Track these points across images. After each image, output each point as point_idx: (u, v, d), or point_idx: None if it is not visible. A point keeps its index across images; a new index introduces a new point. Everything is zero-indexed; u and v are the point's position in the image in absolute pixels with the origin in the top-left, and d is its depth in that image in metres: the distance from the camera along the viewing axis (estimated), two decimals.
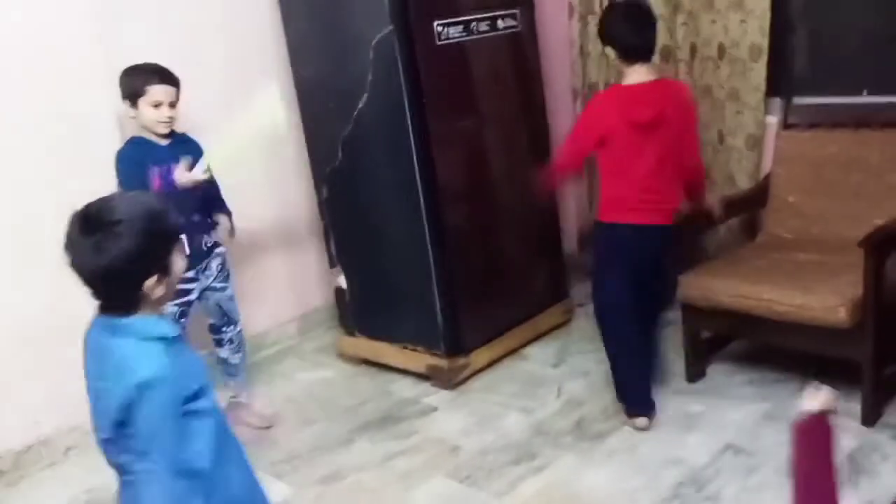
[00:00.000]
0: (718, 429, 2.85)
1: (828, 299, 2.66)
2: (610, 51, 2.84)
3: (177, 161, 2.85)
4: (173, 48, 3.44)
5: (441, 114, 3.26)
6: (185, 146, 2.95)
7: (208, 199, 3.02)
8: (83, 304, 1.60)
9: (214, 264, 3.08)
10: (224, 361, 3.25)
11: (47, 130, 3.10)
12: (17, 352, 3.08)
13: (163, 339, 1.57)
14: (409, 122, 3.19)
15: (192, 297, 3.02)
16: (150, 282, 1.54)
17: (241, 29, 3.72)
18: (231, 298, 3.18)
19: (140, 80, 2.86)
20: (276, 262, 4.01)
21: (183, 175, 2.81)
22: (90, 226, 1.51)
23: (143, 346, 1.54)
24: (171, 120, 2.91)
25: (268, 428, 3.28)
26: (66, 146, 3.11)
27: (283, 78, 3.72)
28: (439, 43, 3.22)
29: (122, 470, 1.62)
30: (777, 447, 2.69)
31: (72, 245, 1.53)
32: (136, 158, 2.87)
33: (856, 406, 2.77)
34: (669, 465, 2.68)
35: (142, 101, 2.85)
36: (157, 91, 2.85)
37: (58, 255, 1.53)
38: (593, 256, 3.09)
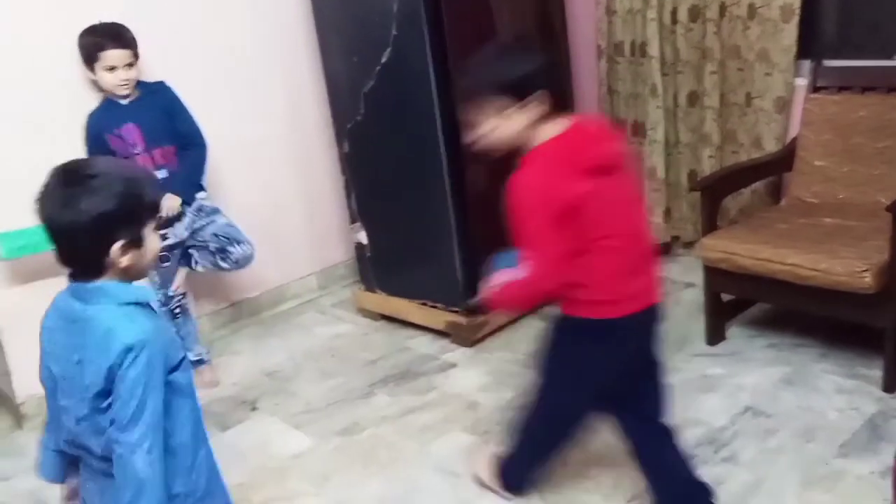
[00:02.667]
0: (738, 391, 2.85)
1: (853, 264, 2.64)
2: None
3: (135, 121, 2.99)
4: (194, 2, 3.43)
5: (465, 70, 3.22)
6: (151, 98, 3.05)
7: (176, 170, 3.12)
8: None
9: (189, 210, 3.15)
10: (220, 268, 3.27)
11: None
12: None
13: (141, 304, 1.53)
14: (432, 77, 3.16)
15: (172, 240, 3.12)
16: (117, 247, 1.48)
17: None
18: (228, 224, 3.20)
19: (93, 45, 2.94)
20: (297, 216, 4.01)
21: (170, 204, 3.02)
22: (67, 179, 1.48)
23: (123, 311, 1.50)
24: (129, 82, 2.97)
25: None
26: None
27: (306, 31, 3.71)
28: None
29: (90, 455, 1.57)
30: (796, 411, 2.70)
31: (45, 197, 1.48)
32: (97, 127, 3.00)
33: (877, 373, 2.76)
34: (688, 426, 2.67)
35: (97, 66, 2.94)
36: (111, 56, 2.93)
37: None
38: None
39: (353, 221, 3.75)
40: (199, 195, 3.20)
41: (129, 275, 1.55)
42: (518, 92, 1.90)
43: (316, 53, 3.65)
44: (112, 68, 2.93)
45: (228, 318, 3.84)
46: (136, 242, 1.52)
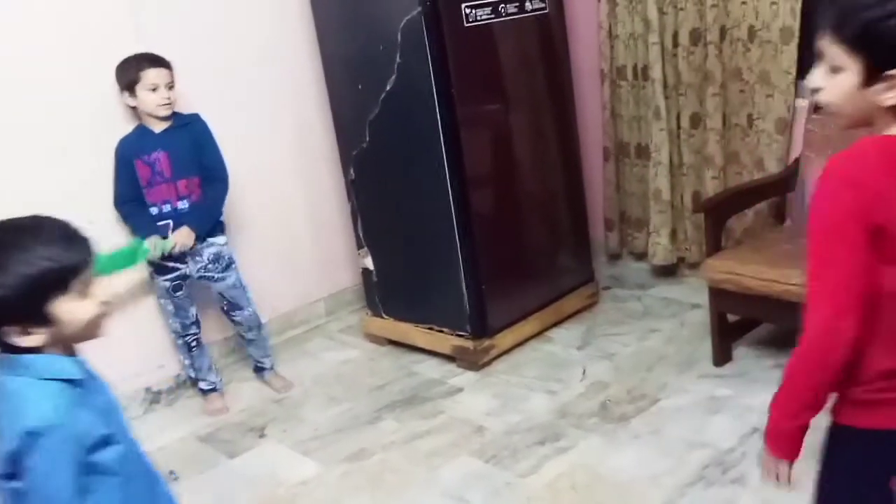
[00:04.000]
0: (745, 412, 2.84)
1: None
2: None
3: (166, 149, 3.06)
4: (203, 32, 3.48)
5: (468, 97, 3.26)
6: (183, 129, 3.12)
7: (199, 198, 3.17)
8: None
9: (206, 253, 3.20)
10: (240, 336, 3.45)
11: (78, 123, 3.12)
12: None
13: (64, 380, 1.39)
14: (436, 104, 3.19)
15: (184, 271, 3.18)
16: (8, 329, 1.36)
17: (270, 10, 3.73)
18: (233, 287, 3.28)
19: (133, 68, 3.03)
20: (305, 242, 4.03)
21: (183, 239, 3.09)
22: None
23: (38, 387, 1.37)
24: (170, 101, 3.06)
25: (285, 392, 3.44)
26: (104, 144, 3.13)
27: (312, 59, 3.75)
28: (467, 25, 3.22)
29: None
30: None
31: None
32: (127, 152, 3.09)
33: None
34: (695, 448, 2.68)
35: (139, 88, 3.02)
36: (151, 75, 3.01)
37: None
38: None
39: (359, 247, 3.78)
40: (219, 240, 3.23)
41: (68, 341, 1.43)
42: (877, 52, 1.24)
43: (322, 82, 3.69)
44: (154, 88, 3.00)
45: (237, 344, 3.85)
46: (40, 321, 1.37)
